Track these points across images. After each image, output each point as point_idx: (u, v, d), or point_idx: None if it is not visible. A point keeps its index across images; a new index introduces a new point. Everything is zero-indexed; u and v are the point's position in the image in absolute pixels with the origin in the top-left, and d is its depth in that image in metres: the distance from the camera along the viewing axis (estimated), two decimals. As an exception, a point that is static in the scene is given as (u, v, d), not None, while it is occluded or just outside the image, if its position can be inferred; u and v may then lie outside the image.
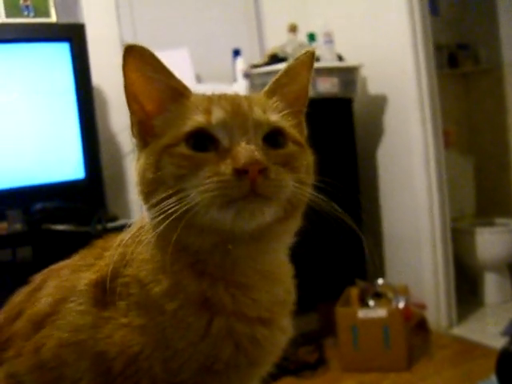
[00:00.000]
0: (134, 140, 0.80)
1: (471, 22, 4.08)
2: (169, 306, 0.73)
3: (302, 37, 3.08)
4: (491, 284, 3.35)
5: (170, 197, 0.69)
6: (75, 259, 0.85)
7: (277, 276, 0.81)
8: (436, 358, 2.71)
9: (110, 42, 2.77)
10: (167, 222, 0.69)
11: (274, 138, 0.75)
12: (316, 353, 2.73)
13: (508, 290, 3.37)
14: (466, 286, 3.41)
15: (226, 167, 0.68)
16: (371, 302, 2.78)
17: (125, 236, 0.77)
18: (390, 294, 2.80)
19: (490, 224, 3.53)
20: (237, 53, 3.05)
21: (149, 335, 0.73)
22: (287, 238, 0.81)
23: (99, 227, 2.25)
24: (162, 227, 0.70)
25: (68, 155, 2.51)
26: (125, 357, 0.73)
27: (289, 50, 2.95)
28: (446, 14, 4.01)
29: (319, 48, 3.05)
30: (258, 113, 0.75)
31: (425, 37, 2.91)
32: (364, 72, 3.15)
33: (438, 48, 3.51)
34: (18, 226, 2.25)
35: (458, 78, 4.17)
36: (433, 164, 2.94)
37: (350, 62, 3.08)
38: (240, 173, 0.67)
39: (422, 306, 2.97)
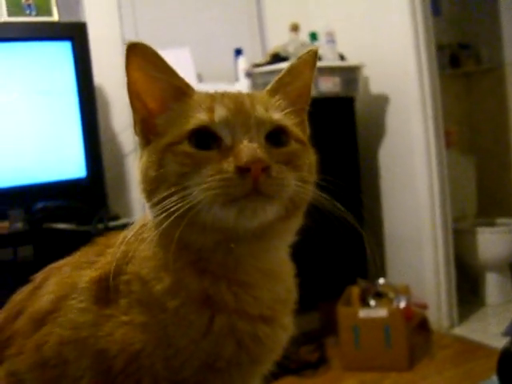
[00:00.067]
0: (136, 138, 0.80)
1: (473, 21, 4.08)
2: (170, 304, 0.73)
3: (303, 36, 3.09)
4: (492, 284, 3.35)
5: (172, 195, 0.69)
6: (76, 256, 0.85)
7: (278, 274, 0.81)
8: (437, 358, 2.71)
9: (111, 41, 2.77)
10: (170, 219, 0.69)
11: (276, 136, 0.75)
12: (317, 352, 2.73)
13: (509, 290, 3.37)
14: (468, 286, 3.41)
15: (229, 165, 0.68)
16: (372, 302, 2.78)
17: (128, 233, 0.77)
18: (391, 294, 2.80)
19: (492, 224, 3.53)
20: (239, 52, 3.05)
21: (150, 333, 0.73)
22: (289, 236, 0.81)
23: (100, 226, 2.25)
24: (164, 225, 0.70)
25: (70, 154, 2.51)
26: (126, 355, 0.73)
27: (291, 49, 2.95)
28: (448, 14, 4.01)
29: (321, 47, 3.05)
30: (260, 111, 0.75)
31: (427, 37, 2.91)
32: (366, 72, 3.15)
33: (440, 48, 3.51)
34: (20, 225, 2.25)
35: (459, 78, 4.17)
36: (434, 164, 2.94)
37: (351, 61, 3.08)
38: (242, 171, 0.67)
39: (423, 306, 2.97)
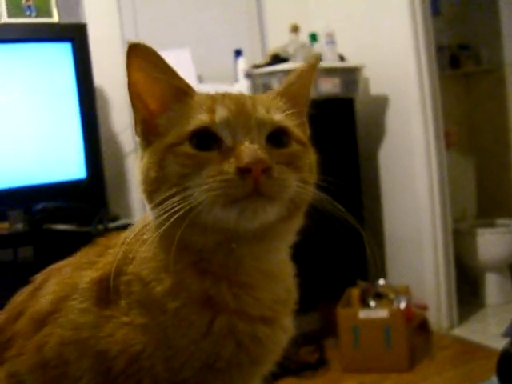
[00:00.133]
0: (137, 139, 0.80)
1: (473, 22, 4.08)
2: (171, 305, 0.73)
3: (303, 37, 3.09)
4: (492, 285, 3.35)
5: (173, 196, 0.69)
6: (77, 257, 0.85)
7: (278, 275, 0.81)
8: (437, 359, 2.71)
9: (111, 42, 2.78)
10: (171, 220, 0.69)
11: (277, 137, 0.75)
12: (317, 353, 2.73)
13: (509, 291, 3.37)
14: (467, 287, 3.41)
15: (230, 166, 0.68)
16: (372, 303, 2.78)
17: (129, 234, 0.77)
18: (392, 295, 2.80)
19: (491, 225, 3.53)
20: (238, 53, 3.05)
21: (150, 334, 0.73)
22: (290, 236, 0.81)
23: (100, 227, 2.25)
24: (165, 226, 0.70)
25: (69, 155, 2.52)
26: (126, 355, 0.73)
27: (290, 50, 2.95)
28: (448, 15, 4.02)
29: (321, 48, 3.06)
30: (261, 112, 0.75)
31: (427, 38, 2.92)
32: (366, 72, 3.15)
33: (440, 48, 3.52)
34: (20, 226, 2.26)
35: (459, 79, 4.17)
36: (434, 165, 2.95)
37: (351, 62, 3.09)
38: (243, 172, 0.67)
39: (424, 307, 2.97)
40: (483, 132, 4.13)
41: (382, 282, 2.89)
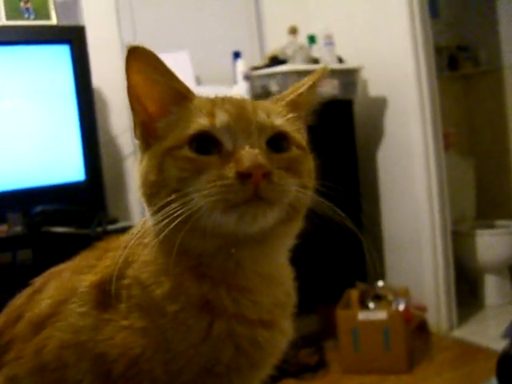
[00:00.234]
0: (136, 142, 0.80)
1: (471, 23, 4.09)
2: (170, 309, 0.73)
3: (302, 39, 3.09)
4: (491, 286, 3.35)
5: (173, 201, 0.69)
6: (76, 260, 0.85)
7: (277, 278, 0.81)
8: (436, 361, 2.71)
9: (110, 45, 2.78)
10: (171, 226, 0.69)
11: (277, 141, 0.75)
12: (316, 355, 2.73)
13: (508, 292, 3.37)
14: (467, 288, 3.41)
15: (230, 171, 0.68)
16: (371, 305, 2.78)
17: (130, 238, 0.77)
18: (391, 297, 2.80)
19: (491, 226, 3.53)
20: (237, 55, 3.05)
21: (150, 337, 0.73)
22: (289, 240, 0.81)
23: (99, 230, 2.25)
24: (165, 232, 0.70)
25: (68, 157, 2.51)
26: (126, 359, 0.73)
27: (289, 52, 2.96)
28: (446, 16, 4.02)
29: (319, 50, 3.06)
30: (262, 116, 0.75)
31: (425, 40, 2.92)
32: (364, 74, 3.16)
33: (438, 50, 3.52)
34: (18, 229, 2.25)
35: (458, 80, 4.17)
36: (433, 166, 2.94)
37: (350, 64, 3.09)
38: (243, 176, 0.67)
39: (423, 309, 2.97)
40: (482, 133, 4.13)
41: (381, 283, 2.89)
